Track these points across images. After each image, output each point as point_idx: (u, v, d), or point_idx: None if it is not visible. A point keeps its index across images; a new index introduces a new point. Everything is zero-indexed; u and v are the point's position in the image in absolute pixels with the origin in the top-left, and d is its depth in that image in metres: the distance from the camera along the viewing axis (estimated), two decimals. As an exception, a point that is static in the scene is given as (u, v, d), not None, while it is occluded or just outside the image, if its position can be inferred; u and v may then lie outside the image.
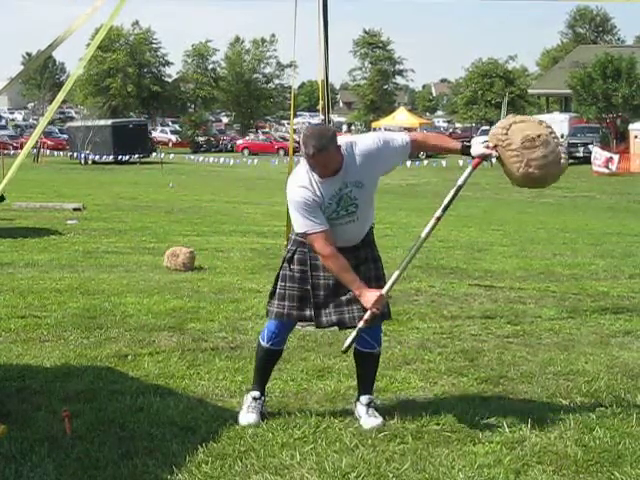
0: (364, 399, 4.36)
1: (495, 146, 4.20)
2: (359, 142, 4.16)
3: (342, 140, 4.11)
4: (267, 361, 4.42)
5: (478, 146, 4.24)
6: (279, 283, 4.30)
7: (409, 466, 3.71)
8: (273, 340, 4.35)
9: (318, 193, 4.07)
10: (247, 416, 4.26)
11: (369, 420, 4.23)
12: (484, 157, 4.24)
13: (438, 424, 4.21)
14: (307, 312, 4.26)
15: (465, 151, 4.32)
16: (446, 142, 4.58)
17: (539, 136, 4.18)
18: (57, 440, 3.95)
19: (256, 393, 4.37)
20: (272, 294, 4.35)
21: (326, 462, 3.75)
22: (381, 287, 4.19)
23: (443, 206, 4.26)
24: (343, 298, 4.20)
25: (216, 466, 3.71)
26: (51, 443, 3.91)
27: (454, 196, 4.27)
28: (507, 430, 4.13)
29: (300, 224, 4.09)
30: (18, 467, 3.66)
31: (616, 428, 4.15)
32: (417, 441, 4.00)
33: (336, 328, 4.42)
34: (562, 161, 4.24)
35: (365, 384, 4.42)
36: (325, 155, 3.97)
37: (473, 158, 4.26)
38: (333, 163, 4.03)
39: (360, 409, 4.33)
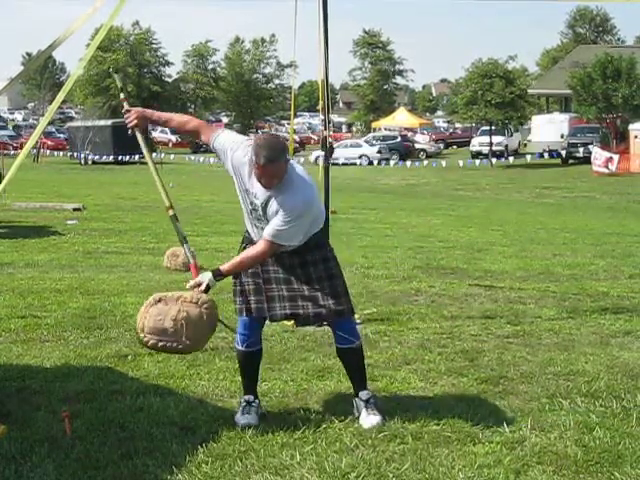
0: (363, 395, 4.37)
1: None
2: (292, 191, 4.14)
3: (295, 170, 4.19)
4: (248, 364, 4.46)
5: (207, 276, 4.35)
6: (235, 280, 4.44)
7: (409, 466, 3.71)
8: (246, 342, 4.41)
9: (241, 163, 4.22)
10: (244, 417, 4.27)
11: (368, 418, 4.24)
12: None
13: (438, 424, 4.21)
14: (265, 305, 4.34)
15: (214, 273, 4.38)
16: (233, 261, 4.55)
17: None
18: (57, 440, 3.95)
19: (249, 397, 4.40)
20: (233, 292, 4.49)
21: (326, 462, 3.75)
22: (334, 285, 4.29)
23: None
24: (297, 293, 4.29)
25: (216, 466, 3.71)
26: (51, 443, 3.91)
27: None
28: (507, 430, 4.13)
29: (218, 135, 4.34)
30: (18, 467, 3.66)
31: (616, 428, 4.15)
32: (417, 441, 4.00)
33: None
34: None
35: (356, 380, 4.44)
36: (274, 167, 4.03)
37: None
38: (278, 178, 4.10)
39: (359, 405, 4.34)
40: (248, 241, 4.47)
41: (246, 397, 4.39)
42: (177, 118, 4.61)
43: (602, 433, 4.07)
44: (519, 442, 3.99)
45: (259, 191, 4.19)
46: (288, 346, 5.84)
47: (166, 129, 65.48)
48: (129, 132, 4.53)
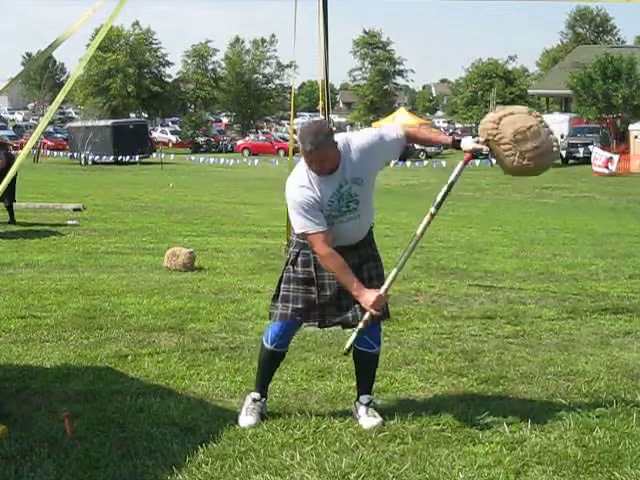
0: (364, 399, 4.36)
1: (486, 140, 4.21)
2: (355, 138, 4.16)
3: (338, 137, 4.12)
4: (270, 363, 4.42)
5: (469, 141, 4.31)
6: (282, 285, 4.29)
7: (409, 466, 3.71)
8: (277, 342, 4.34)
9: (318, 191, 4.07)
10: (246, 418, 4.25)
11: (368, 420, 4.24)
12: (475, 152, 4.31)
13: (438, 424, 4.21)
14: (311, 313, 4.25)
15: (456, 145, 4.40)
16: (437, 136, 4.72)
17: (530, 127, 4.19)
18: (57, 440, 3.95)
19: (256, 395, 4.37)
20: (275, 297, 4.33)
21: (326, 462, 3.75)
22: (380, 286, 4.19)
23: (436, 203, 4.26)
24: (348, 299, 4.19)
25: (216, 466, 3.71)
26: (51, 443, 3.91)
27: (447, 193, 4.28)
28: (507, 430, 4.13)
29: (300, 224, 4.08)
30: (18, 467, 3.66)
31: (616, 428, 4.15)
32: (417, 441, 4.00)
33: (337, 328, 4.46)
34: (554, 149, 4.26)
35: (364, 384, 4.42)
36: (322, 152, 3.98)
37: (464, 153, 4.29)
38: (330, 160, 4.03)
39: (360, 409, 4.33)
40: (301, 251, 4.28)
41: (254, 395, 4.35)
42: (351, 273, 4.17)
43: (602, 433, 4.07)
44: (519, 442, 3.99)
45: (334, 181, 4.08)
46: (288, 346, 5.83)
47: (166, 129, 65.67)
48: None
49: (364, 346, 4.31)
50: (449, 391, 4.85)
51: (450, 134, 60.12)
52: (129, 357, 5.51)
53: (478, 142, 4.27)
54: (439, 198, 4.25)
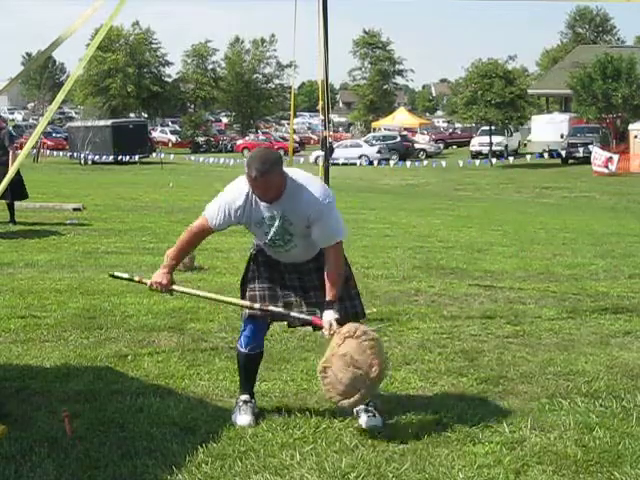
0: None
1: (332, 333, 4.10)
2: (305, 190, 4.12)
3: (296, 174, 4.17)
4: (248, 366, 4.47)
5: (330, 315, 4.15)
6: (248, 286, 4.41)
7: (409, 466, 3.71)
8: (250, 345, 4.40)
9: (247, 209, 4.17)
10: (242, 417, 4.28)
11: (369, 420, 4.23)
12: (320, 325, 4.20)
13: (438, 424, 4.21)
14: (275, 309, 4.32)
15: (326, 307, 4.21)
16: (329, 285, 4.25)
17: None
18: (57, 440, 3.95)
19: (246, 396, 4.41)
20: (242, 296, 4.45)
21: (326, 462, 3.75)
22: (348, 287, 4.30)
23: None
24: (313, 301, 4.29)
25: (216, 466, 3.71)
26: (51, 443, 3.91)
27: None
28: (507, 430, 4.13)
29: (209, 208, 4.28)
30: (18, 467, 3.66)
31: (616, 428, 4.15)
32: (417, 441, 4.00)
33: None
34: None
35: None
36: (267, 179, 4.02)
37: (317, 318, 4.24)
38: (274, 189, 4.08)
39: (359, 407, 4.33)
40: (258, 260, 4.45)
41: (243, 397, 4.41)
42: (182, 250, 4.51)
43: (602, 433, 4.07)
44: (519, 442, 3.99)
45: (267, 211, 4.17)
46: (288, 346, 5.84)
47: (165, 129, 65.72)
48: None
49: None
50: (449, 391, 4.85)
51: (450, 134, 60.11)
52: (129, 357, 5.51)
53: (331, 325, 4.12)
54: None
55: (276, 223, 4.18)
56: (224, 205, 4.22)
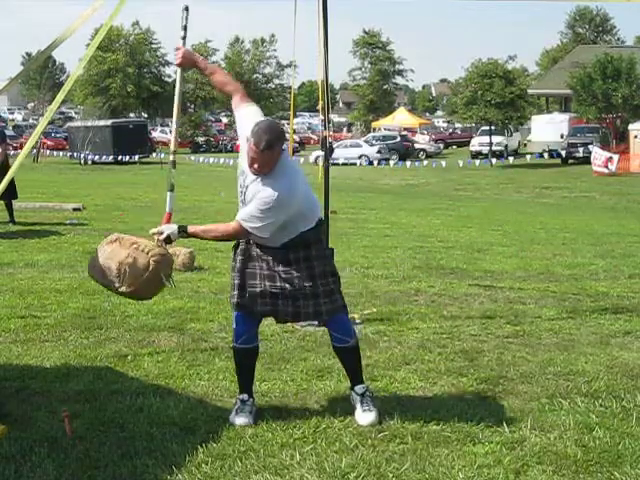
0: (359, 389, 4.41)
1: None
2: (274, 177, 4.12)
3: (284, 160, 4.18)
4: (243, 361, 4.46)
5: (169, 228, 4.43)
6: (232, 274, 4.48)
7: (409, 466, 3.71)
8: (241, 338, 4.41)
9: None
10: (238, 418, 4.28)
11: (363, 415, 4.27)
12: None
13: (438, 424, 4.21)
14: (257, 305, 4.34)
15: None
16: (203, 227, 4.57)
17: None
18: (57, 440, 3.95)
19: (244, 396, 4.41)
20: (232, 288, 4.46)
21: (326, 462, 3.75)
22: (315, 286, 4.27)
23: None
24: (278, 291, 4.28)
25: (216, 466, 3.71)
26: (51, 443, 3.91)
27: None
28: (507, 430, 4.13)
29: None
30: (18, 467, 3.66)
31: (616, 428, 4.15)
32: (417, 441, 4.00)
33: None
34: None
35: (353, 375, 4.48)
36: (271, 153, 4.05)
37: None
38: (270, 165, 4.09)
39: (355, 399, 4.38)
40: None
41: (240, 396, 4.41)
42: (220, 76, 4.66)
43: (602, 433, 4.07)
44: (519, 442, 3.99)
45: (248, 173, 4.19)
46: (288, 346, 5.84)
47: (166, 129, 65.66)
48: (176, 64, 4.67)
49: (339, 342, 4.40)
50: (449, 391, 4.85)
51: (450, 134, 60.14)
52: (129, 357, 5.51)
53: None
54: None
55: (246, 183, 4.20)
56: (258, 111, 4.37)
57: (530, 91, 46.78)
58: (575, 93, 41.20)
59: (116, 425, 4.18)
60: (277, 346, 5.82)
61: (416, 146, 49.81)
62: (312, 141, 60.00)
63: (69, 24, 4.92)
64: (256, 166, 4.07)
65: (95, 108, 64.37)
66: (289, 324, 6.45)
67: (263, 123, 4.11)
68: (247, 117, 4.29)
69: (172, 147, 4.66)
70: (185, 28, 4.77)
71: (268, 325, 6.48)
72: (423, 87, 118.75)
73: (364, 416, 4.26)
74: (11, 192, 12.48)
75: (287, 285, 4.27)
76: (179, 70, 4.74)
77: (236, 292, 4.36)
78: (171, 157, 4.64)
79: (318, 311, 4.32)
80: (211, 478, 3.63)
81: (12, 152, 32.67)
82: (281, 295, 4.29)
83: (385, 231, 13.95)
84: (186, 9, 4.67)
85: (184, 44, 4.64)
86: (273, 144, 4.01)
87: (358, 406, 4.32)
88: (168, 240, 4.30)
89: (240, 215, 4.17)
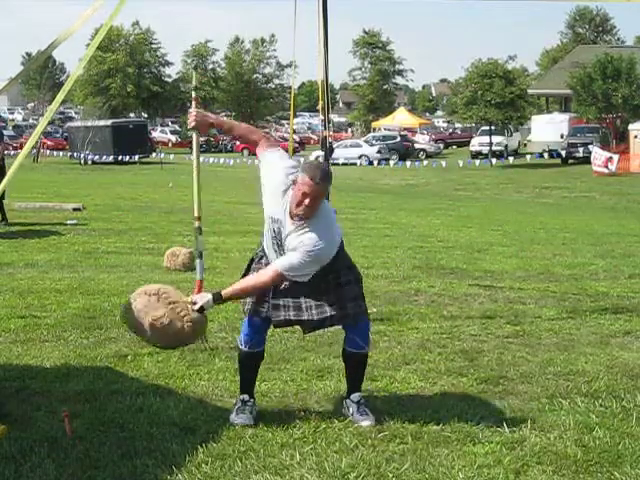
0: (355, 397, 4.39)
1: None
2: (315, 225, 4.16)
3: (325, 207, 4.24)
4: (248, 365, 4.46)
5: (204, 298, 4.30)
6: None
7: (409, 466, 3.71)
8: (250, 343, 4.39)
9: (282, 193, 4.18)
10: (237, 418, 4.28)
11: (362, 419, 4.27)
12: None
13: (438, 424, 4.21)
14: (263, 310, 4.32)
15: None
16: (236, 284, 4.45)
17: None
18: (57, 440, 3.95)
19: (245, 396, 4.40)
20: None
21: (326, 462, 3.75)
22: (340, 292, 4.28)
23: None
24: (302, 301, 4.26)
25: (216, 466, 3.71)
26: (51, 443, 3.91)
27: None
28: (507, 430, 4.13)
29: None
30: (18, 467, 3.66)
31: (616, 428, 4.15)
32: (417, 441, 4.00)
33: (337, 328, 4.49)
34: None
35: (354, 383, 4.46)
36: (323, 188, 4.08)
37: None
38: (318, 203, 4.11)
39: (351, 407, 4.36)
40: (259, 258, 4.42)
41: (242, 396, 4.41)
42: (241, 129, 4.57)
43: (602, 433, 4.07)
44: (519, 442, 3.99)
45: (287, 221, 4.16)
46: (288, 346, 5.84)
47: (165, 129, 65.69)
48: (188, 132, 4.47)
49: (354, 347, 4.36)
50: (449, 391, 4.85)
51: (450, 134, 60.09)
52: (129, 357, 5.51)
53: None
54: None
55: (284, 232, 4.17)
56: (285, 155, 4.33)
57: (530, 91, 46.78)
58: (575, 93, 41.19)
59: (116, 425, 4.18)
60: (277, 346, 5.82)
61: (416, 146, 49.81)
62: (312, 141, 59.96)
63: (69, 24, 4.92)
64: (307, 201, 4.04)
65: (95, 108, 64.39)
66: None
67: (313, 162, 4.26)
68: (274, 163, 4.25)
69: (196, 213, 4.48)
70: (196, 88, 4.72)
71: (268, 325, 6.49)
72: (423, 87, 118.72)
73: (362, 420, 4.27)
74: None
75: (312, 293, 4.25)
76: (194, 134, 4.57)
77: (255, 299, 4.30)
78: (196, 223, 4.48)
79: (345, 315, 4.30)
80: (211, 478, 3.62)
81: (12, 152, 32.70)
82: (305, 303, 4.27)
83: (385, 231, 13.95)
84: (195, 68, 4.60)
85: (196, 105, 4.48)
86: (326, 178, 4.07)
87: (355, 413, 4.31)
88: (201, 310, 4.27)
89: (281, 265, 4.13)
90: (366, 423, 4.23)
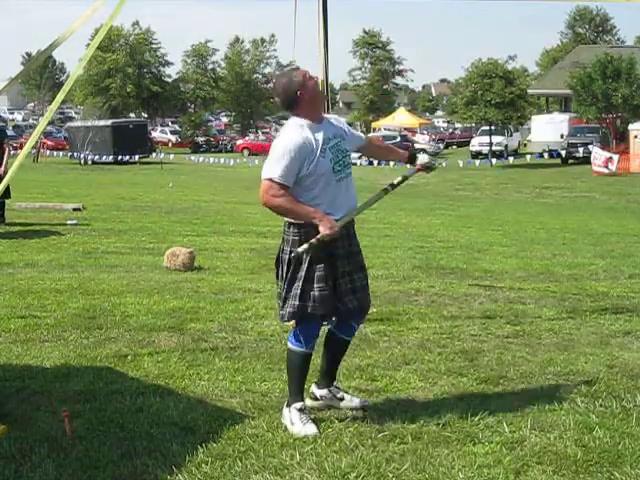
0: (336, 384, 4.55)
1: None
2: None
3: None
4: (307, 366, 4.32)
5: (425, 157, 4.68)
6: (318, 285, 4.16)
7: (409, 466, 3.71)
8: (312, 343, 4.28)
9: (311, 137, 4.13)
10: (308, 428, 4.09)
11: (353, 399, 4.46)
12: (427, 167, 4.67)
13: (438, 424, 4.21)
14: (329, 309, 4.22)
15: (411, 160, 4.67)
16: (396, 152, 4.96)
17: None
18: (57, 440, 3.95)
19: (301, 404, 4.24)
20: (294, 296, 4.17)
21: (326, 462, 3.75)
22: (365, 297, 4.43)
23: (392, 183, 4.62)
24: (345, 287, 4.26)
25: (216, 466, 3.71)
26: (51, 443, 3.91)
27: (400, 183, 4.58)
28: (507, 430, 4.13)
29: (271, 171, 4.06)
30: (18, 467, 3.66)
31: (616, 428, 4.15)
32: (417, 441, 4.00)
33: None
34: None
35: (335, 371, 4.57)
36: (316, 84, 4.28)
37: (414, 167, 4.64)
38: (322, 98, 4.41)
39: (339, 393, 4.48)
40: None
41: (299, 405, 4.21)
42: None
43: (602, 433, 4.07)
44: (519, 442, 3.99)
45: (321, 135, 4.18)
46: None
47: (165, 129, 65.69)
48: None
49: (350, 336, 4.49)
50: (449, 391, 4.85)
51: (450, 134, 60.08)
52: (129, 357, 5.51)
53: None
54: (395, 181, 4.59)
55: (332, 142, 4.21)
56: (290, 151, 4.06)
57: (530, 91, 46.80)
58: (575, 93, 41.19)
59: (116, 425, 4.18)
60: (277, 346, 5.82)
61: (416, 146, 49.79)
62: (312, 141, 59.89)
63: (69, 24, 4.92)
64: (314, 105, 4.28)
65: (95, 108, 64.44)
66: (289, 324, 6.46)
67: (282, 72, 4.49)
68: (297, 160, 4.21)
69: None
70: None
71: (268, 325, 6.49)
72: (423, 87, 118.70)
73: (354, 400, 4.45)
74: (4, 192, 12.47)
75: (353, 278, 4.32)
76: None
77: (316, 303, 4.15)
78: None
79: (368, 302, 4.50)
80: (211, 478, 3.62)
81: (12, 152, 32.68)
82: (351, 290, 4.30)
83: (385, 231, 13.95)
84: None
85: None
86: (310, 75, 4.36)
87: (344, 394, 4.47)
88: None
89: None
90: (364, 401, 4.42)
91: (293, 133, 4.13)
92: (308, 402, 4.41)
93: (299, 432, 4.06)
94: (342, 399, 4.45)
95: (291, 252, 4.18)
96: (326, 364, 4.52)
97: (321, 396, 4.48)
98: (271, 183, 4.06)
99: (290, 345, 4.29)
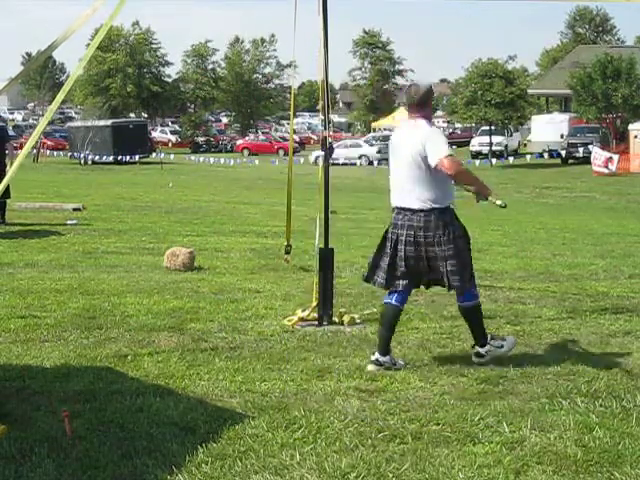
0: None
1: None
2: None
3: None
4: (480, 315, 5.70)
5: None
6: (402, 263, 5.57)
7: (409, 466, 3.71)
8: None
9: None
10: (507, 341, 5.59)
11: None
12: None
13: (438, 424, 4.21)
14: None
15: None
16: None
17: None
18: (57, 440, 3.95)
19: (489, 335, 5.59)
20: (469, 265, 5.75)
21: (326, 462, 3.75)
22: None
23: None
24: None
25: (216, 466, 3.71)
26: (51, 443, 3.91)
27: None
28: (507, 430, 4.13)
29: (445, 148, 5.19)
30: (18, 467, 3.66)
31: (616, 428, 4.15)
32: (417, 441, 4.00)
33: (333, 330, 4.55)
34: None
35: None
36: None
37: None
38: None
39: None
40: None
41: (488, 336, 5.55)
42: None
43: (602, 433, 4.07)
44: (519, 442, 3.99)
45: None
46: (288, 346, 5.84)
47: (165, 129, 65.71)
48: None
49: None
50: (449, 391, 4.85)
51: (450, 134, 60.19)
52: (129, 357, 5.51)
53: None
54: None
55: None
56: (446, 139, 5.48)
57: (530, 91, 46.81)
58: (575, 93, 41.22)
59: (116, 425, 4.18)
60: (277, 346, 5.82)
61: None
62: (312, 141, 59.98)
63: (69, 24, 4.92)
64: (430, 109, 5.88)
65: (95, 108, 64.44)
66: (289, 324, 6.46)
67: (415, 84, 5.90)
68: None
69: None
70: None
71: (267, 325, 6.49)
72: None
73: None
74: (5, 191, 12.47)
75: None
76: None
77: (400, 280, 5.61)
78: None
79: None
80: (211, 478, 3.62)
81: (13, 152, 32.66)
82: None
83: (385, 231, 13.93)
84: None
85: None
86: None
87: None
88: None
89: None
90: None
91: (434, 127, 5.52)
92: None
93: (508, 348, 5.54)
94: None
95: (455, 232, 5.48)
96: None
97: None
98: (452, 157, 5.19)
99: (471, 303, 5.69)
